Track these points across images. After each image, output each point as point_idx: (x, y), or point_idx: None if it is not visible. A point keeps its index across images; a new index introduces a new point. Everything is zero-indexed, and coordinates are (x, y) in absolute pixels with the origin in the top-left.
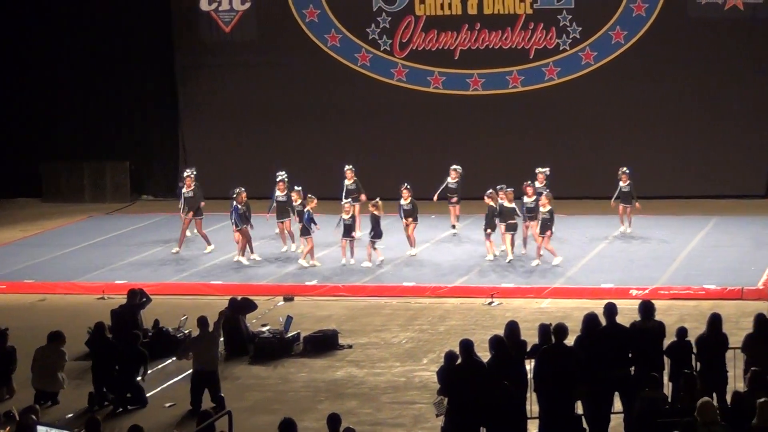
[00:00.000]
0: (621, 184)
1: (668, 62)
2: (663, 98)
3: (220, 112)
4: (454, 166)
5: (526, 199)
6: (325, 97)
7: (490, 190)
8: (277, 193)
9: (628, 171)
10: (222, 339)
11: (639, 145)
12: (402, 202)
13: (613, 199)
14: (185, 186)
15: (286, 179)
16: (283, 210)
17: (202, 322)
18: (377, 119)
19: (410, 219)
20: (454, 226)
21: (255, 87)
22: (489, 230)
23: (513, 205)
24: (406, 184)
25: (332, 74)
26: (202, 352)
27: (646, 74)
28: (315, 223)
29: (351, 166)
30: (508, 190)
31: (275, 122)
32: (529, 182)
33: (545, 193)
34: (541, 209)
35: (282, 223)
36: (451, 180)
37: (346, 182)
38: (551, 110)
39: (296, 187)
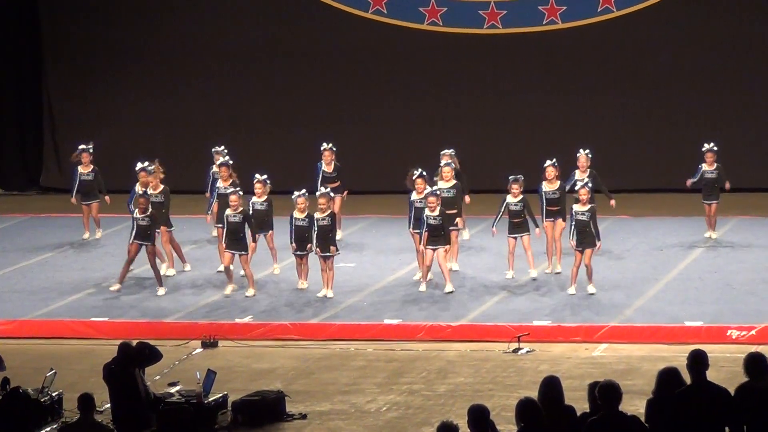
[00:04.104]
0: (705, 167)
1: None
2: None
3: (108, 65)
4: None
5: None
6: (266, 38)
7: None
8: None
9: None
10: (109, 405)
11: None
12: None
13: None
14: (83, 165)
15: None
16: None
17: (84, 402)
18: (343, 71)
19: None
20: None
21: (157, 24)
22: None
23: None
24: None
25: (280, 6)
26: None
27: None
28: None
29: (331, 145)
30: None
31: (185, 76)
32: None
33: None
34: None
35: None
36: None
37: (323, 167)
38: (615, 58)
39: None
